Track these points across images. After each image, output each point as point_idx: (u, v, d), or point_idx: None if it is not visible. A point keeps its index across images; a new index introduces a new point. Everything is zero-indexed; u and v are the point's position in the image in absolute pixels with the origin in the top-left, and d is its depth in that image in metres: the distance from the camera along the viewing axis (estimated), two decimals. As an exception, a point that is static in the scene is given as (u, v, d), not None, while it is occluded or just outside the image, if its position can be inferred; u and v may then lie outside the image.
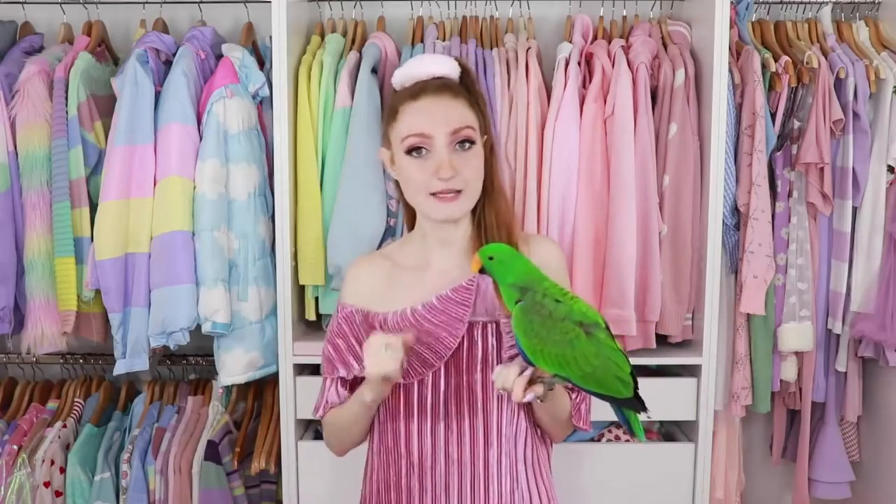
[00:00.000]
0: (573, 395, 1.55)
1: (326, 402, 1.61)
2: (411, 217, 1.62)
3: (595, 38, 2.21)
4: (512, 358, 1.47)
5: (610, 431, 2.17)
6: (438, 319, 1.50)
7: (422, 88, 1.49)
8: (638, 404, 1.35)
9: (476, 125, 1.51)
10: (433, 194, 1.47)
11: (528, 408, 1.54)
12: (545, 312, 1.33)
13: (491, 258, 1.38)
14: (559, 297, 1.34)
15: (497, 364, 1.49)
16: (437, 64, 1.53)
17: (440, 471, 1.51)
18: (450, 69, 1.54)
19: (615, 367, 1.33)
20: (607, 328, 1.36)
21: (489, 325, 1.51)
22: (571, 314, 1.33)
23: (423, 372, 1.51)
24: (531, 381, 1.36)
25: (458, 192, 1.47)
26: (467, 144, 1.48)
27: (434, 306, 1.51)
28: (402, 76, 1.55)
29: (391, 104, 1.55)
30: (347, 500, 2.11)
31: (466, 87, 1.54)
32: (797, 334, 2.24)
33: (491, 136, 1.57)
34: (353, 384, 1.60)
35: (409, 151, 1.48)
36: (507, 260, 1.38)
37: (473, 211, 1.54)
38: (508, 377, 1.35)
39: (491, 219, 1.53)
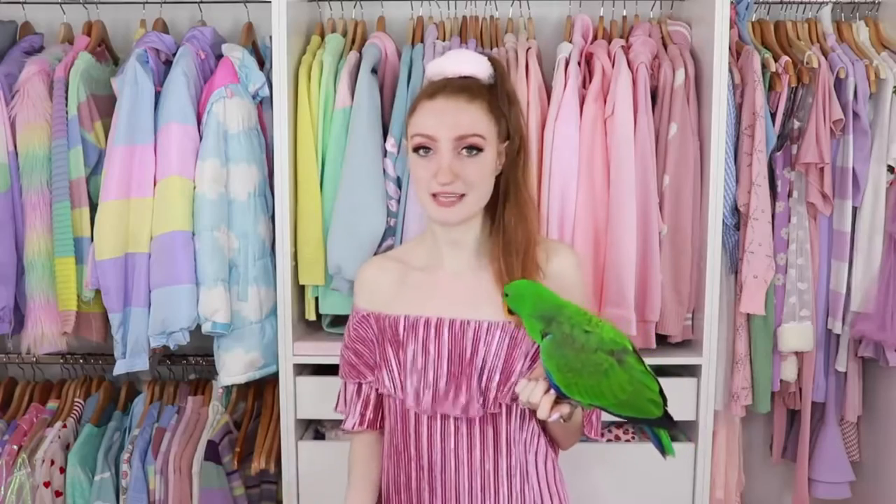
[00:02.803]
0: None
1: (347, 415, 1.63)
2: None
3: (595, 38, 2.21)
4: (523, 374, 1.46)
5: (610, 431, 2.17)
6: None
7: (441, 87, 1.48)
8: (668, 422, 1.35)
9: (489, 132, 1.47)
10: (434, 196, 1.46)
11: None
12: (577, 346, 1.31)
13: (506, 295, 1.40)
14: (587, 327, 1.32)
15: (503, 369, 1.48)
16: (465, 63, 1.51)
17: (450, 474, 1.50)
18: (478, 69, 1.51)
19: (646, 390, 1.33)
20: (634, 351, 1.35)
21: (500, 330, 1.49)
22: (602, 344, 1.31)
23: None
24: (557, 400, 1.34)
25: (461, 196, 1.45)
26: (474, 151, 1.45)
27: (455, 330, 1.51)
28: (433, 70, 1.53)
29: (416, 96, 1.53)
30: (347, 500, 2.11)
31: (495, 88, 1.51)
32: (797, 334, 2.24)
33: (524, 138, 1.53)
34: (372, 397, 1.61)
35: (416, 149, 1.47)
36: (523, 293, 1.38)
37: (493, 213, 1.53)
38: (535, 394, 1.33)
39: (510, 222, 1.51)
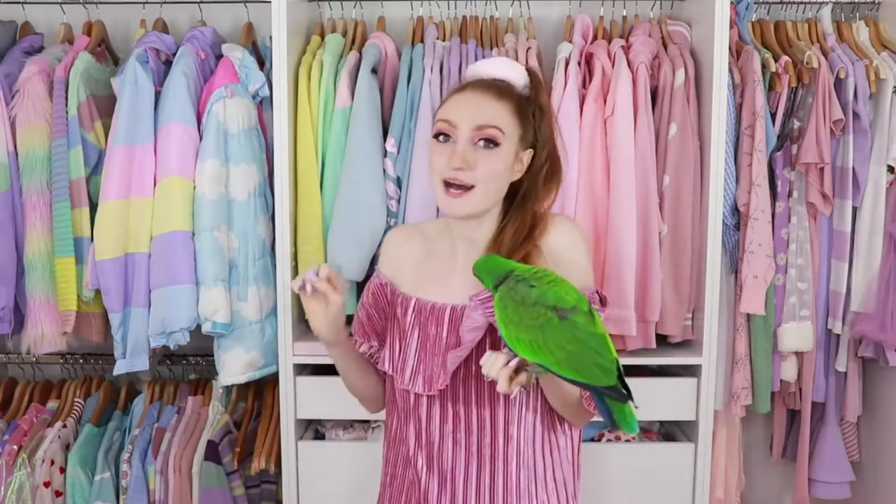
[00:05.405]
0: None
1: None
2: None
3: (595, 38, 2.21)
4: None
5: (610, 431, 2.17)
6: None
7: (473, 83, 1.51)
8: (619, 394, 1.25)
9: (510, 131, 1.48)
10: (445, 183, 1.47)
11: (537, 399, 1.52)
12: (518, 298, 1.29)
13: (476, 275, 1.40)
14: (534, 282, 1.30)
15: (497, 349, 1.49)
16: (501, 67, 1.54)
17: (447, 455, 1.51)
18: (511, 74, 1.53)
19: (593, 354, 1.25)
20: (591, 312, 1.29)
21: None
22: (544, 299, 1.28)
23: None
24: (517, 370, 1.31)
25: (469, 188, 1.46)
26: (491, 144, 1.46)
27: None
28: (470, 72, 1.57)
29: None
30: (347, 499, 2.12)
31: (525, 97, 1.52)
32: (797, 334, 2.24)
33: (553, 153, 1.53)
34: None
35: (436, 135, 1.49)
36: (481, 269, 1.39)
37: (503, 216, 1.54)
38: (494, 366, 1.31)
39: (508, 232, 1.51)
